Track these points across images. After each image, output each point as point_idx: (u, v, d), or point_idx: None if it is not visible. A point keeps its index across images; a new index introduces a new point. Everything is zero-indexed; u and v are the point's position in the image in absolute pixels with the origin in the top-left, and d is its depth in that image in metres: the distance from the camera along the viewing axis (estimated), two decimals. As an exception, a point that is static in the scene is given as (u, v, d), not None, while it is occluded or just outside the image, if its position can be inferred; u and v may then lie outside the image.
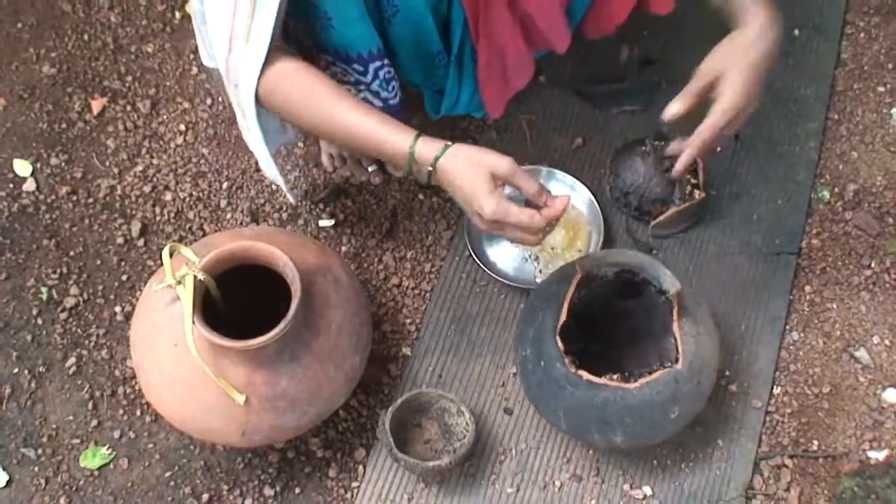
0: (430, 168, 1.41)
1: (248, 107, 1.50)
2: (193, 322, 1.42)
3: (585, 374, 1.51)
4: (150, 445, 1.74)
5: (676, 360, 1.51)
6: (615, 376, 1.55)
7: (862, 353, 1.82)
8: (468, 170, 1.38)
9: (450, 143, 1.41)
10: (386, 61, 1.67)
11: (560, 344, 1.52)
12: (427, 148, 1.41)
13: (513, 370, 1.78)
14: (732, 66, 1.49)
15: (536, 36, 1.74)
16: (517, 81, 1.80)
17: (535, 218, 1.38)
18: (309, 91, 1.46)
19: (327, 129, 1.50)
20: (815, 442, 1.75)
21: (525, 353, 1.60)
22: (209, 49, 1.88)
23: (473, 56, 1.72)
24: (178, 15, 2.14)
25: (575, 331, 1.57)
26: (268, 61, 1.44)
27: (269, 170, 1.64)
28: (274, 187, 1.95)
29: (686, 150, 1.57)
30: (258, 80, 1.46)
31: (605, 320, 1.70)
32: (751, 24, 1.51)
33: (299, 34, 1.61)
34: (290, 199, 1.77)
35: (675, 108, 1.52)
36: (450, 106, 1.83)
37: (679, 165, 1.60)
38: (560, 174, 1.91)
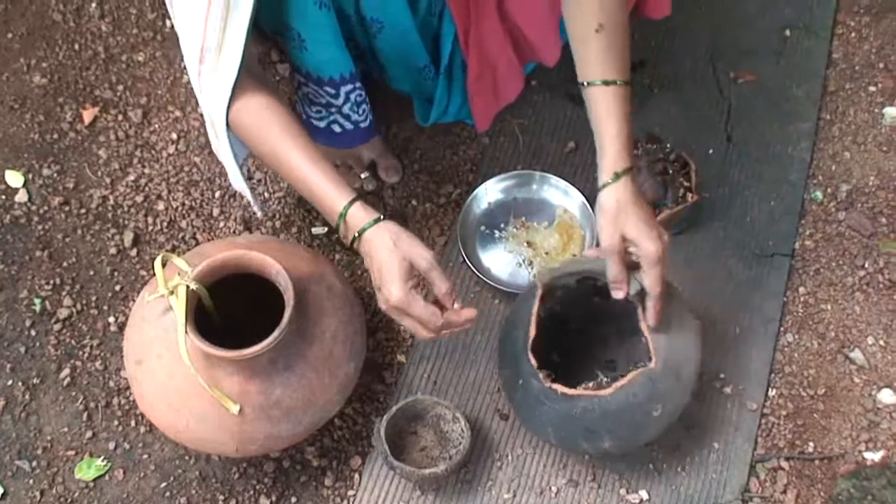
0: (356, 235, 1.41)
1: (218, 119, 1.49)
2: (186, 332, 1.42)
3: (560, 388, 1.51)
4: (145, 456, 1.73)
5: (650, 359, 1.50)
6: (590, 384, 1.55)
7: (857, 354, 1.82)
8: (388, 253, 1.39)
9: (382, 217, 1.41)
10: (358, 84, 1.67)
11: (533, 360, 1.52)
12: (358, 215, 1.41)
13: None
14: (626, 222, 1.44)
15: (526, 49, 1.74)
16: (507, 94, 1.80)
17: (435, 317, 1.39)
18: (266, 132, 1.46)
19: (280, 172, 1.50)
20: (811, 444, 1.75)
21: (506, 373, 1.61)
22: None
23: (464, 67, 1.73)
24: (168, 23, 2.14)
25: (557, 339, 1.56)
26: (238, 86, 1.44)
27: (237, 182, 1.63)
28: (266, 195, 1.95)
29: (651, 305, 1.49)
30: (229, 98, 1.45)
31: (593, 319, 1.69)
32: (611, 174, 1.45)
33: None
34: (258, 213, 1.76)
35: (622, 293, 1.49)
36: (438, 115, 1.84)
37: (652, 321, 1.51)
38: (553, 179, 1.91)
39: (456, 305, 1.44)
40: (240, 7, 1.37)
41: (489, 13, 1.65)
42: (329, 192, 1.43)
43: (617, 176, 1.43)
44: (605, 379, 1.64)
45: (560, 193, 1.91)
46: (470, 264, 1.84)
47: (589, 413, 1.50)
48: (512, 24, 1.66)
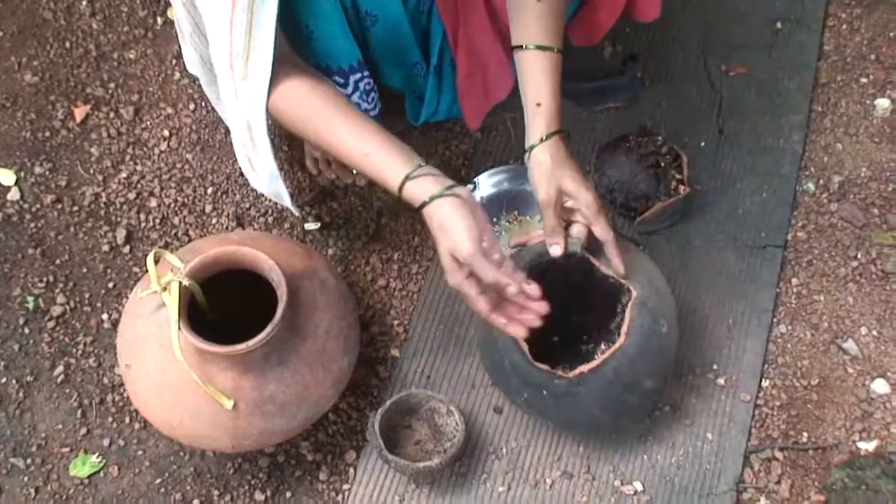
0: (426, 201, 1.40)
1: (257, 122, 1.47)
2: (179, 328, 1.42)
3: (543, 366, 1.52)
4: (140, 452, 1.74)
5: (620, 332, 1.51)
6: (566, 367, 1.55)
7: (850, 345, 1.82)
8: (439, 234, 1.39)
9: (438, 191, 1.38)
10: (366, 73, 1.67)
11: (529, 355, 1.52)
12: (415, 189, 1.40)
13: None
14: (562, 176, 1.48)
15: None
16: (497, 93, 1.79)
17: (507, 276, 1.38)
18: (308, 111, 1.46)
19: (331, 153, 1.50)
20: (805, 434, 1.75)
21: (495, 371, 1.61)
22: (192, 56, 1.88)
23: (453, 66, 1.72)
24: (159, 21, 2.14)
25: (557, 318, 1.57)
26: (275, 77, 1.43)
27: (274, 184, 1.59)
28: (258, 191, 1.94)
29: (611, 253, 1.52)
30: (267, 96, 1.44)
31: (585, 292, 1.66)
32: (544, 134, 1.49)
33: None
34: (296, 212, 1.75)
35: (558, 249, 1.50)
36: (429, 114, 1.84)
37: (618, 268, 1.53)
38: None
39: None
40: (264, 9, 1.36)
41: (478, 12, 1.64)
42: (384, 167, 1.42)
43: (549, 136, 1.48)
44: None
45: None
46: None
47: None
48: (501, 23, 1.66)
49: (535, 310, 1.42)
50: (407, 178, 1.39)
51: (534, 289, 1.41)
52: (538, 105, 1.49)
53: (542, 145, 1.48)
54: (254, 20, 1.37)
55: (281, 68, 1.44)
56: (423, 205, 1.39)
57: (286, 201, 1.62)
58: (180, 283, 1.44)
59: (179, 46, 2.07)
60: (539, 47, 1.49)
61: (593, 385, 1.51)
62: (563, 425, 1.68)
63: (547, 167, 1.48)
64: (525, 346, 1.51)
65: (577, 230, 1.51)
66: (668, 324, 1.55)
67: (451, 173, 1.94)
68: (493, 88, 1.78)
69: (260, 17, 1.37)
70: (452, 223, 1.37)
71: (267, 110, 1.46)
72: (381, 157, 1.42)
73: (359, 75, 1.67)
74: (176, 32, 1.70)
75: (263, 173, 1.58)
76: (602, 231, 1.48)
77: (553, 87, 1.49)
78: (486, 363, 1.67)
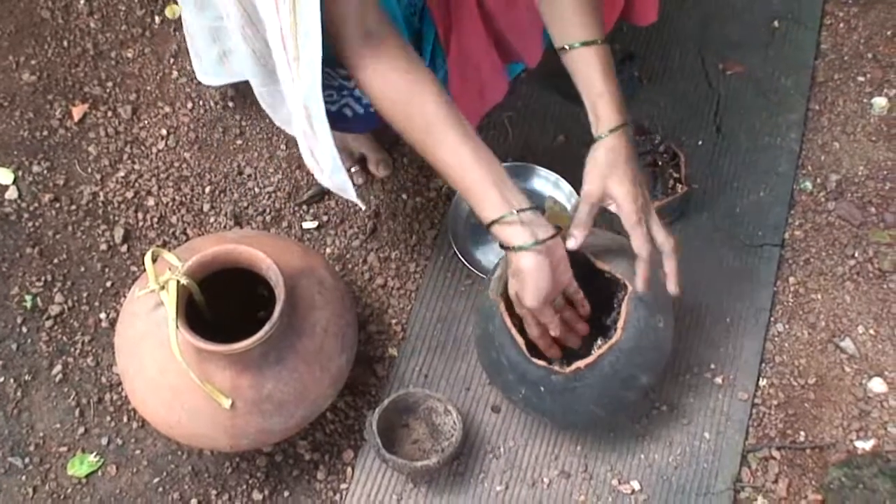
0: (513, 248, 1.41)
1: (315, 105, 1.43)
2: (177, 327, 1.42)
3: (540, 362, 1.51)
4: (138, 452, 1.74)
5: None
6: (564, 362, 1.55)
7: (847, 344, 1.82)
8: (513, 278, 1.44)
9: (526, 243, 1.39)
10: None
11: (520, 342, 1.52)
12: (504, 233, 1.40)
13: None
14: (611, 178, 1.47)
15: (510, 50, 1.74)
16: (492, 97, 1.78)
17: (556, 327, 1.47)
18: (407, 105, 1.43)
19: (422, 154, 1.47)
20: (802, 433, 1.75)
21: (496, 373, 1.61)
22: (203, 64, 1.88)
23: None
24: (157, 20, 2.14)
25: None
26: (373, 49, 1.40)
27: (337, 174, 1.56)
28: (256, 190, 1.95)
29: (641, 267, 1.50)
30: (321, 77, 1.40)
31: (581, 287, 1.67)
32: (605, 129, 1.48)
33: None
34: (362, 205, 1.69)
35: (574, 242, 1.49)
36: None
37: (642, 286, 1.51)
38: (543, 171, 1.91)
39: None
40: None
41: (470, 16, 1.63)
42: (482, 200, 1.41)
43: (610, 131, 1.46)
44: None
45: (549, 185, 1.91)
46: (461, 257, 1.84)
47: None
48: (496, 28, 1.66)
49: (577, 331, 1.54)
50: (497, 221, 1.40)
51: (583, 327, 1.54)
52: (594, 104, 1.48)
53: (601, 142, 1.47)
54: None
55: (380, 41, 1.40)
56: (508, 248, 1.41)
57: (350, 193, 1.58)
58: (178, 281, 1.44)
59: (178, 46, 2.09)
60: (583, 44, 1.47)
61: (590, 381, 1.51)
62: (560, 422, 1.68)
63: (600, 164, 1.47)
64: (522, 342, 1.51)
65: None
66: (664, 319, 1.55)
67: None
68: (488, 92, 1.78)
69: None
70: (527, 277, 1.40)
71: (321, 93, 1.41)
72: (477, 190, 1.41)
73: None
74: (179, 35, 1.69)
75: (326, 163, 1.55)
76: (638, 244, 1.46)
77: (605, 81, 1.47)
78: (483, 361, 1.67)
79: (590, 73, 1.48)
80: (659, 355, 1.56)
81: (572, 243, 1.49)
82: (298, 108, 1.47)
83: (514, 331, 1.52)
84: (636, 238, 1.46)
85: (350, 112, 1.74)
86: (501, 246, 1.42)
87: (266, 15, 1.39)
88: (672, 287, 1.51)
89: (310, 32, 1.34)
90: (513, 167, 1.92)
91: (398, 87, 1.42)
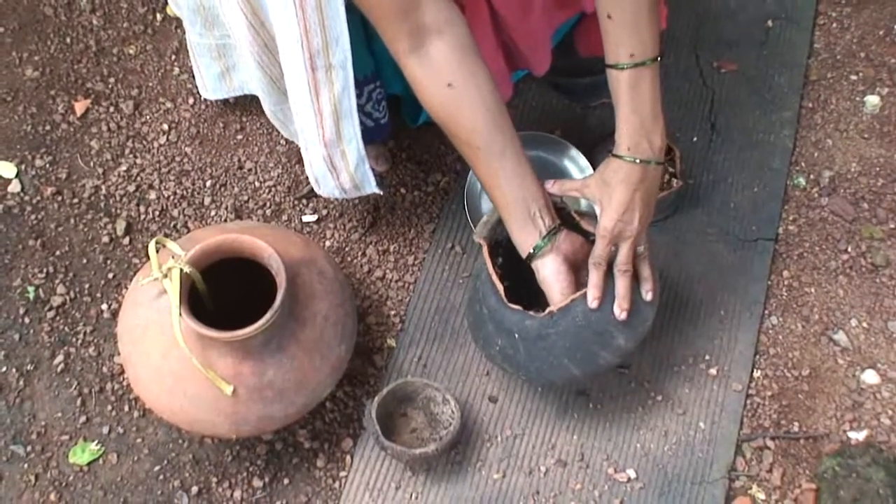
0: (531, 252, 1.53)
1: (346, 102, 1.53)
2: (180, 314, 1.44)
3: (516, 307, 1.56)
4: (139, 440, 1.75)
5: None
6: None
7: (840, 336, 1.84)
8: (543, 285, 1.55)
9: (540, 246, 1.50)
10: (378, 83, 1.69)
11: (499, 287, 1.56)
12: (537, 265, 1.53)
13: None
14: (614, 190, 1.51)
15: (518, 58, 1.76)
16: None
17: None
18: (464, 113, 1.49)
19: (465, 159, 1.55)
20: (796, 424, 1.77)
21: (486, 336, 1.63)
22: (204, 80, 1.92)
23: None
24: (158, 17, 2.16)
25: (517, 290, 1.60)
26: (419, 62, 1.45)
27: (361, 167, 1.63)
28: (256, 184, 1.97)
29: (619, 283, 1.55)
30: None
31: None
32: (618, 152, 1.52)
33: None
34: (379, 191, 1.76)
35: (554, 188, 1.57)
36: (427, 116, 1.85)
37: (623, 303, 1.55)
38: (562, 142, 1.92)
39: None
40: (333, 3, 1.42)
41: (483, 23, 1.65)
42: (518, 231, 1.52)
43: (624, 157, 1.50)
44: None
45: (565, 157, 1.92)
46: (473, 227, 1.82)
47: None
48: (507, 36, 1.68)
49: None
50: (532, 254, 1.51)
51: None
52: (617, 126, 1.51)
53: (612, 158, 1.52)
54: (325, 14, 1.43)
55: (426, 42, 1.45)
56: (530, 259, 1.52)
57: (371, 185, 1.67)
58: (181, 269, 1.46)
59: (179, 43, 2.11)
60: (611, 66, 1.50)
61: (562, 327, 1.52)
62: (535, 377, 1.62)
63: (598, 174, 1.54)
64: (501, 288, 1.55)
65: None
66: (650, 294, 1.56)
67: (446, 167, 1.99)
68: None
69: (330, 9, 1.43)
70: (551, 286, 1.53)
71: (354, 90, 1.52)
72: (515, 219, 1.51)
73: (372, 85, 1.70)
74: (181, 32, 1.71)
75: (352, 157, 1.62)
76: (622, 260, 1.53)
77: (626, 106, 1.49)
78: (469, 320, 1.70)
79: (615, 96, 1.51)
80: (637, 320, 1.55)
81: (550, 185, 1.56)
82: (327, 114, 1.51)
83: (494, 275, 1.56)
84: (597, 247, 1.52)
85: (361, 126, 1.76)
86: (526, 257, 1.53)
87: (287, 41, 1.47)
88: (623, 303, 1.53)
89: (339, 39, 1.41)
90: (532, 135, 1.91)
91: (441, 99, 1.48)
